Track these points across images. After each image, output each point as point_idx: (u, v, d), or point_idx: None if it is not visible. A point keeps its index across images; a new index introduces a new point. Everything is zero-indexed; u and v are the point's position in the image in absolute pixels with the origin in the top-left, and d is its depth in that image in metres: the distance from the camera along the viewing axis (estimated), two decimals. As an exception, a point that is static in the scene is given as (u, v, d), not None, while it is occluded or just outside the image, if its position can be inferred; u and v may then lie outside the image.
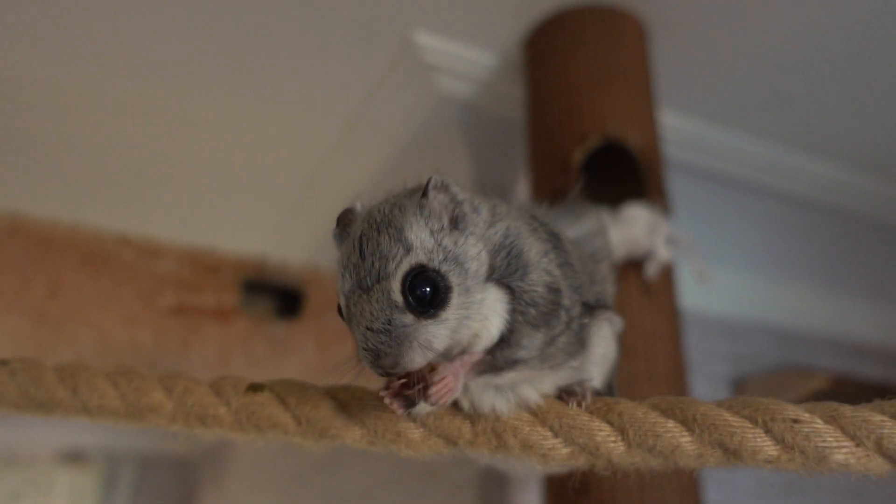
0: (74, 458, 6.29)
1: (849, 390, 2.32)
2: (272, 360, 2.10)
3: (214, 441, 5.81)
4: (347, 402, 0.64)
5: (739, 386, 2.42)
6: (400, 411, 0.60)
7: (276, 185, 2.76)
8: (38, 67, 2.11)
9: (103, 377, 0.70)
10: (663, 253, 1.61)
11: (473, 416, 0.62)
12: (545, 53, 1.99)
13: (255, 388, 0.67)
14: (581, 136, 1.80)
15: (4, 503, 5.94)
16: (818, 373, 2.42)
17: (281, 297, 2.27)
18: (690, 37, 2.06)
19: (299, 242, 3.01)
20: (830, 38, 2.04)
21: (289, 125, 2.44)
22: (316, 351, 2.19)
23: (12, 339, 1.92)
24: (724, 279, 2.52)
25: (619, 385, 1.54)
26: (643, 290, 1.64)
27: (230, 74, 2.18)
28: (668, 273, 1.72)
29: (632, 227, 1.60)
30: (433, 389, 0.58)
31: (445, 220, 0.61)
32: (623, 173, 1.85)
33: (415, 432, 0.62)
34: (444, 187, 0.62)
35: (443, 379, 0.58)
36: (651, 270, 1.63)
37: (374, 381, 0.62)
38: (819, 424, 0.54)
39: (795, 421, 0.54)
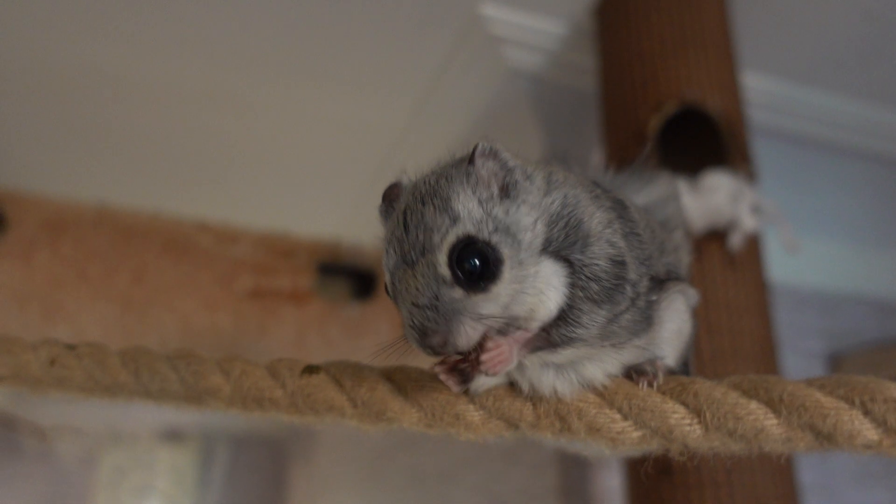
0: (174, 436, 6.60)
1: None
2: (347, 342, 2.11)
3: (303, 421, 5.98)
4: (404, 383, 0.62)
5: (836, 363, 2.28)
6: (455, 388, 0.57)
7: (349, 169, 2.77)
8: (121, 61, 2.18)
9: (164, 360, 0.70)
10: (748, 222, 1.52)
11: (535, 398, 0.58)
12: (617, 19, 1.90)
13: (310, 370, 0.65)
14: (657, 103, 1.72)
15: (110, 478, 6.29)
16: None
17: (355, 279, 2.28)
18: (775, -7, 1.93)
19: (372, 225, 3.01)
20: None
21: (359, 109, 2.44)
22: (390, 332, 2.19)
23: (101, 326, 2.00)
24: (818, 249, 2.38)
25: (703, 363, 1.47)
26: (727, 262, 1.55)
27: (300, 62, 2.19)
28: (754, 244, 1.62)
29: (713, 196, 1.51)
30: (486, 356, 0.54)
31: (495, 189, 0.57)
32: (704, 141, 1.76)
33: (474, 414, 0.58)
34: (493, 153, 0.58)
35: (497, 346, 0.54)
36: (735, 241, 1.53)
37: (424, 362, 0.59)
38: (928, 405, 0.48)
39: (899, 401, 0.48)
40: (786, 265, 2.10)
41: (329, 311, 2.16)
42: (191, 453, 6.63)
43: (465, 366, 0.56)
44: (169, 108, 2.43)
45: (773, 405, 0.51)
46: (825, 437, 0.50)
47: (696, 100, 1.71)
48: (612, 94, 1.86)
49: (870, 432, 0.49)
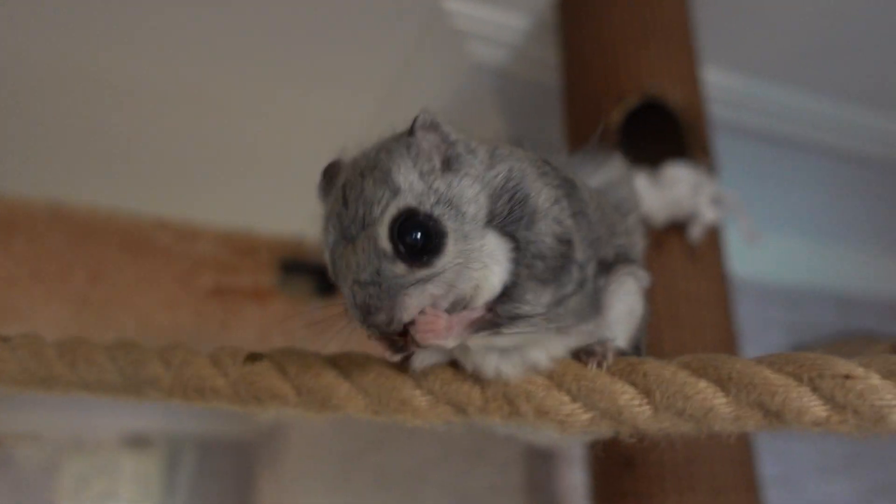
0: (138, 442, 6.49)
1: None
2: (311, 340, 2.08)
3: (271, 423, 5.92)
4: (350, 369, 0.60)
5: (798, 355, 2.31)
6: (391, 355, 0.55)
7: (313, 165, 2.72)
8: (74, 54, 2.12)
9: (101, 351, 0.67)
10: (708, 214, 1.52)
11: (484, 382, 0.57)
12: (579, 13, 1.90)
13: (254, 357, 0.63)
14: (619, 96, 1.72)
15: (73, 486, 6.15)
16: (883, 339, 2.29)
17: (319, 276, 2.25)
18: (735, -13, 1.94)
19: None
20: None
21: (322, 104, 2.41)
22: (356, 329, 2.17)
23: (56, 326, 1.94)
24: (780, 244, 2.40)
25: (664, 355, 1.47)
26: (688, 254, 1.56)
27: (261, 57, 2.15)
28: (714, 236, 1.62)
29: (673, 188, 1.52)
30: (417, 328, 0.52)
31: (437, 162, 0.55)
32: (665, 134, 1.77)
33: (421, 400, 0.57)
34: (434, 126, 0.56)
35: (434, 317, 0.53)
36: (696, 233, 1.54)
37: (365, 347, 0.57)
38: (875, 380, 0.47)
39: (847, 377, 0.47)
40: (750, 260, 2.12)
41: (292, 309, 2.13)
42: (155, 459, 6.52)
43: (406, 338, 0.54)
44: (125, 104, 2.38)
45: (722, 384, 0.50)
46: (774, 415, 0.49)
47: (658, 93, 1.71)
48: (575, 87, 1.86)
49: (818, 409, 0.48)
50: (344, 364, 0.60)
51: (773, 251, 2.31)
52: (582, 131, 1.80)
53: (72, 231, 2.06)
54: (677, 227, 1.56)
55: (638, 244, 0.72)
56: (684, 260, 1.55)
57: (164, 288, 2.06)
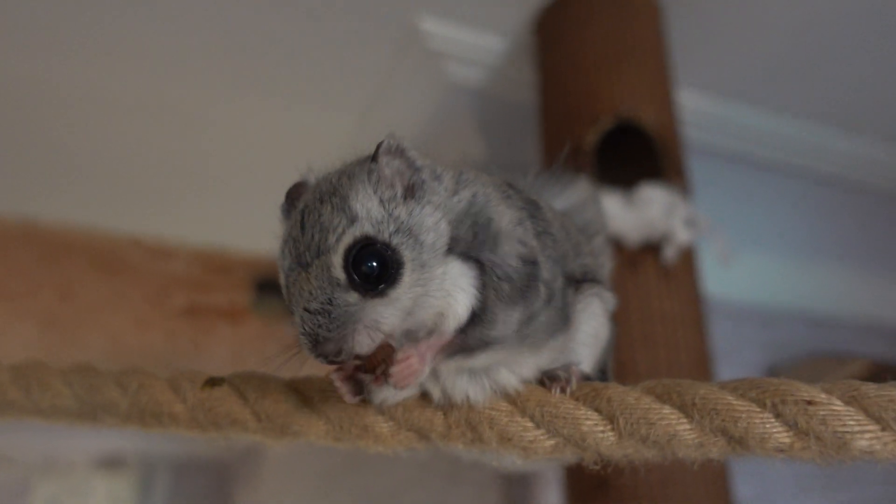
0: (111, 464, 6.37)
1: (889, 376, 2.20)
2: (285, 363, 2.05)
3: (248, 443, 5.84)
4: (310, 394, 0.58)
5: (772, 374, 2.32)
6: (349, 398, 0.54)
7: (289, 184, 2.71)
8: (48, 70, 2.10)
9: (58, 375, 0.66)
10: (682, 235, 1.53)
11: (446, 407, 0.56)
12: (555, 35, 1.92)
13: (213, 382, 0.61)
14: (594, 117, 1.73)
15: (44, 508, 6.02)
16: (856, 359, 2.31)
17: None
18: (706, 12, 1.97)
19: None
20: (858, 6, 1.93)
21: (299, 121, 2.40)
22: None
23: (23, 346, 1.90)
24: (755, 264, 2.42)
25: (639, 376, 1.46)
26: (662, 274, 1.56)
27: (239, 74, 2.14)
28: (688, 257, 1.63)
29: (647, 209, 1.52)
30: (395, 369, 0.51)
31: (399, 189, 0.54)
32: (639, 155, 1.78)
33: (383, 426, 0.56)
34: (399, 151, 0.55)
35: (406, 358, 0.52)
36: (670, 254, 1.54)
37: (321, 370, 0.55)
38: (838, 406, 0.47)
39: (809, 403, 0.47)
40: (724, 280, 2.13)
41: (266, 329, 2.10)
42: (129, 481, 6.40)
43: (366, 377, 0.53)
44: (99, 119, 2.35)
45: (685, 409, 0.50)
46: (737, 442, 0.48)
47: (632, 115, 1.72)
48: (551, 108, 1.87)
49: (781, 435, 0.48)
50: (304, 389, 0.59)
51: (746, 271, 2.33)
52: (558, 151, 1.80)
53: (41, 248, 2.03)
54: (651, 248, 1.57)
55: (605, 266, 0.72)
56: (658, 280, 1.55)
57: (136, 307, 2.02)
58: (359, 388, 0.55)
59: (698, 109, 2.29)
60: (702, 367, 1.56)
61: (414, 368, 0.52)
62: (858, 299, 2.62)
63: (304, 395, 0.59)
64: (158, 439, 6.34)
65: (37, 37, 1.97)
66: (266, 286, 2.18)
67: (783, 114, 2.43)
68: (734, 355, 2.27)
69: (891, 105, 2.38)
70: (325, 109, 2.36)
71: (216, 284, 2.12)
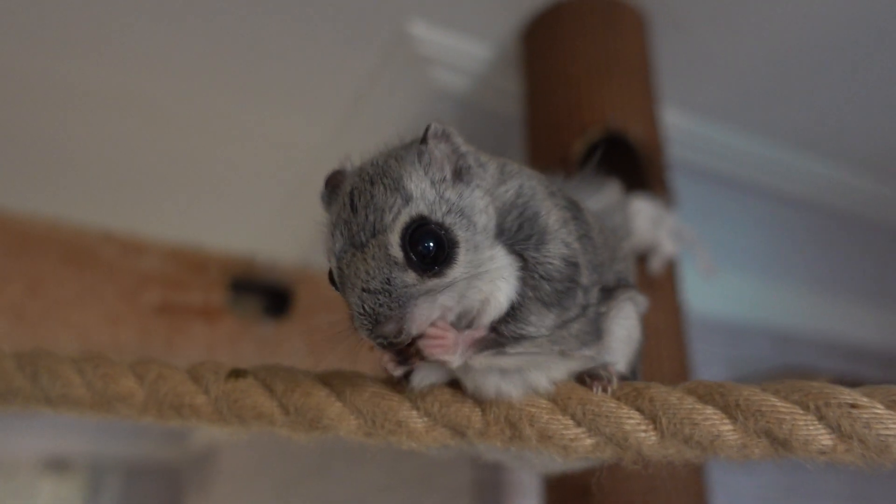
0: (58, 466, 6.19)
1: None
2: (260, 361, 2.02)
3: (201, 448, 5.72)
4: (341, 388, 0.57)
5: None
6: (394, 369, 0.53)
7: (267, 184, 2.68)
8: (15, 59, 2.03)
9: (68, 363, 0.63)
10: (668, 246, 1.55)
11: (484, 404, 0.55)
12: (543, 45, 1.93)
13: (237, 373, 0.59)
14: (581, 128, 1.75)
15: (-13, 512, 5.82)
16: (818, 374, 2.37)
17: (269, 296, 2.19)
18: (690, 31, 2.00)
19: (290, 241, 2.93)
20: (833, 34, 1.99)
21: (280, 123, 2.37)
22: (306, 352, 2.11)
23: (-13, 339, 1.83)
24: (723, 280, 2.46)
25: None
26: (646, 285, 1.58)
27: (219, 72, 2.11)
28: (671, 268, 1.65)
29: (634, 220, 1.54)
30: (426, 340, 0.51)
31: (448, 171, 0.54)
32: (624, 168, 1.80)
33: (418, 421, 0.55)
34: (446, 136, 0.55)
35: (442, 330, 0.51)
36: (655, 264, 1.56)
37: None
38: (880, 410, 0.47)
39: (853, 406, 0.48)
40: (695, 294, 2.16)
41: (241, 329, 2.07)
42: (77, 483, 6.22)
43: (404, 349, 0.52)
44: (72, 111, 2.29)
45: (728, 411, 0.50)
46: (781, 444, 0.49)
47: (619, 127, 1.74)
48: (537, 117, 1.88)
49: (824, 438, 0.48)
50: (336, 383, 0.58)
51: (715, 287, 2.37)
52: (542, 162, 1.81)
53: (9, 241, 1.96)
54: (637, 259, 1.58)
55: (631, 268, 0.72)
56: (643, 291, 1.57)
57: (108, 303, 1.97)
58: (401, 359, 0.54)
59: (677, 126, 2.33)
60: (681, 379, 1.57)
61: (447, 343, 0.51)
62: (821, 317, 2.69)
63: (336, 388, 0.57)
64: (108, 441, 6.18)
65: (8, 24, 1.91)
66: (242, 285, 2.14)
67: (756, 135, 2.49)
68: (702, 370, 2.30)
69: (860, 131, 2.46)
70: (307, 111, 2.34)
71: (191, 282, 2.07)
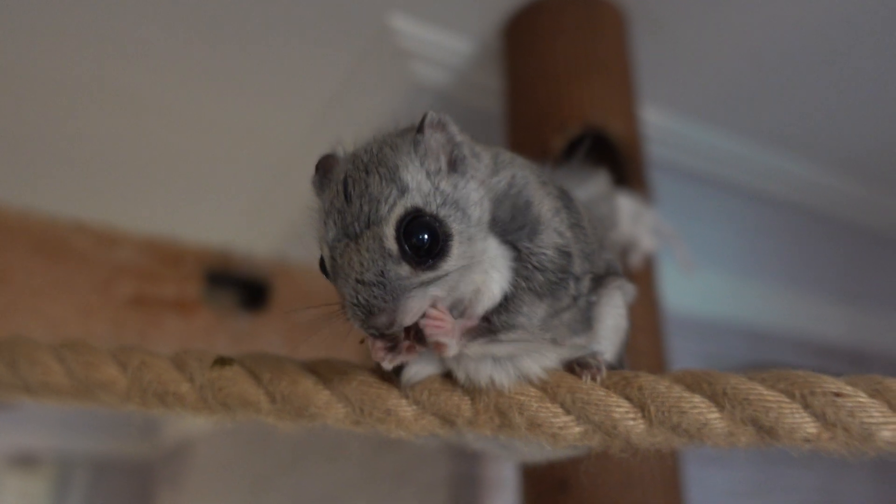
0: (25, 461, 6.08)
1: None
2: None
3: (173, 442, 5.66)
4: (329, 376, 0.57)
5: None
6: (384, 359, 0.53)
7: (244, 176, 2.65)
8: (-11, 43, 1.99)
9: (47, 351, 0.62)
10: (647, 242, 1.56)
11: (473, 393, 0.55)
12: (524, 41, 1.94)
13: (223, 361, 0.59)
14: (561, 124, 1.76)
15: (-51, 509, 5.70)
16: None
17: (246, 289, 2.17)
18: (670, 29, 2.02)
19: (267, 233, 2.90)
20: (813, 36, 2.02)
21: (258, 114, 2.35)
22: (282, 346, 2.09)
23: (-45, 330, 1.78)
24: (699, 277, 2.49)
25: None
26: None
27: (198, 63, 2.08)
28: (649, 264, 1.67)
29: (616, 214, 1.55)
30: (427, 320, 0.51)
31: (443, 162, 0.54)
32: (604, 164, 1.81)
33: (407, 410, 0.54)
34: (442, 125, 0.55)
35: (441, 313, 0.51)
36: (635, 260, 1.57)
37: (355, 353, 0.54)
38: (863, 398, 0.48)
39: (837, 395, 0.49)
40: (670, 291, 2.19)
41: (217, 323, 2.04)
42: (44, 480, 6.12)
43: (404, 342, 0.52)
44: (45, 100, 2.24)
45: (716, 399, 0.51)
46: (767, 432, 0.49)
47: (599, 123, 1.76)
48: (517, 113, 1.88)
49: (809, 426, 0.49)
50: (323, 371, 0.57)
51: (690, 285, 2.40)
52: (523, 156, 1.82)
53: (-22, 230, 1.92)
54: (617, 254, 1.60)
55: (618, 259, 0.73)
56: (623, 285, 1.58)
57: (79, 295, 1.93)
58: (391, 347, 0.53)
59: (655, 124, 2.35)
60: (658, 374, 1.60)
61: (447, 327, 0.51)
62: (794, 315, 2.73)
63: (323, 376, 0.57)
64: (76, 437, 6.09)
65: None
66: (218, 278, 2.12)
67: (734, 134, 2.52)
68: (676, 365, 2.33)
69: (837, 132, 2.50)
70: (286, 103, 2.32)
71: (166, 275, 2.04)
